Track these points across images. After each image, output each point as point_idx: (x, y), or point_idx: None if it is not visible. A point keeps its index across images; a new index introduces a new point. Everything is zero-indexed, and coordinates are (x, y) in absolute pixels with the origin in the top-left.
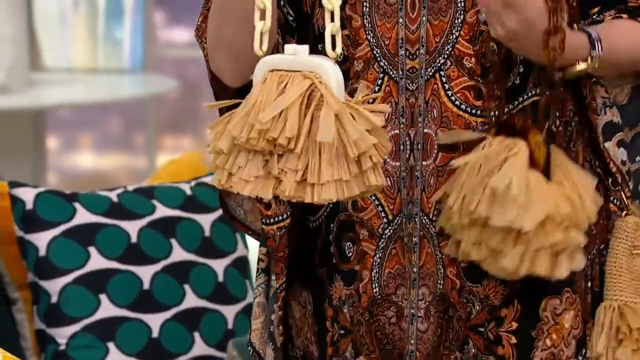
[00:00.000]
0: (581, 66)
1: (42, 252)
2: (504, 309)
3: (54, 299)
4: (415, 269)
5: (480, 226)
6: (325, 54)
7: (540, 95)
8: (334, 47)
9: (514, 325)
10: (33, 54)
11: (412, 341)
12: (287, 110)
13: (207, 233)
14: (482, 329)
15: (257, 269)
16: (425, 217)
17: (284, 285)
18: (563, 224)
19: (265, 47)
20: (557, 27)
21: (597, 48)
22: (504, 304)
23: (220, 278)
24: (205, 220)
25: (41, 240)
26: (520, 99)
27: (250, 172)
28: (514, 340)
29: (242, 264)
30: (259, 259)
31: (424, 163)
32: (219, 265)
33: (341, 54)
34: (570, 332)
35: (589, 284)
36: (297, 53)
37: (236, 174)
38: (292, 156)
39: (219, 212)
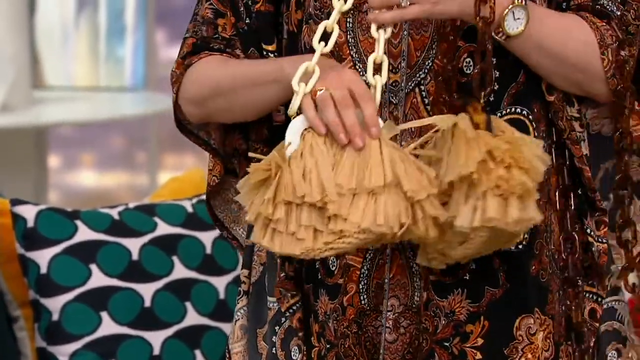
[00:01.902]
0: (509, 28)
1: (44, 269)
2: (469, 325)
3: (55, 317)
4: (386, 280)
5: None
6: None
7: (475, 66)
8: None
9: (480, 341)
10: (35, 72)
11: (381, 351)
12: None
13: (208, 250)
14: (447, 344)
15: (239, 292)
16: None
17: (297, 305)
18: (504, 161)
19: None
20: None
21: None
22: (470, 320)
23: (222, 295)
24: (207, 238)
25: (42, 257)
26: (498, 114)
27: (315, 224)
28: (479, 356)
29: None
30: (241, 281)
31: None
32: (220, 283)
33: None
34: (541, 353)
35: (563, 307)
36: None
37: (298, 232)
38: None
39: None
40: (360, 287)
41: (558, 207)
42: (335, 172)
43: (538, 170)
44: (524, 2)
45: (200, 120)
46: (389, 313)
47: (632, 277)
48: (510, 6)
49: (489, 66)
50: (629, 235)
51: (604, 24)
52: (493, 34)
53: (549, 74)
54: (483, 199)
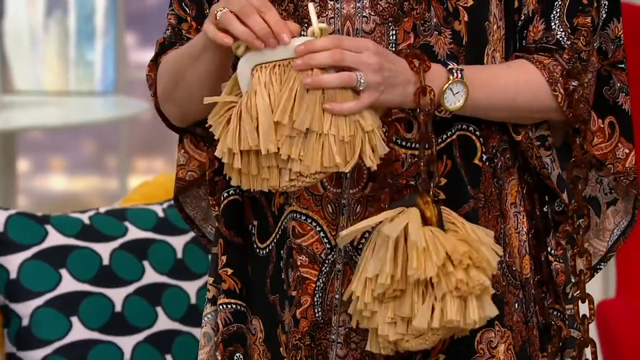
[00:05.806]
0: (449, 104)
1: (13, 274)
2: None
3: (25, 322)
4: (337, 296)
5: (392, 300)
6: None
7: (419, 156)
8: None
9: (441, 357)
10: (3, 76)
11: None
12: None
13: (179, 255)
14: None
15: (205, 299)
16: (349, 245)
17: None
18: (462, 263)
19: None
20: (425, 88)
21: (454, 74)
22: None
23: (193, 300)
24: (178, 242)
25: (12, 262)
26: (448, 132)
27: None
28: None
29: None
30: (206, 288)
31: (351, 191)
32: (191, 287)
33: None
34: None
35: (533, 319)
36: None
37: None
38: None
39: (192, 234)
40: (315, 300)
41: (521, 219)
42: (283, 112)
43: (493, 265)
44: (460, 75)
45: (179, 120)
46: (340, 328)
47: (582, 308)
48: (448, 83)
49: (434, 156)
50: (582, 266)
51: (550, 59)
52: (436, 112)
53: (509, 121)
54: (442, 300)
